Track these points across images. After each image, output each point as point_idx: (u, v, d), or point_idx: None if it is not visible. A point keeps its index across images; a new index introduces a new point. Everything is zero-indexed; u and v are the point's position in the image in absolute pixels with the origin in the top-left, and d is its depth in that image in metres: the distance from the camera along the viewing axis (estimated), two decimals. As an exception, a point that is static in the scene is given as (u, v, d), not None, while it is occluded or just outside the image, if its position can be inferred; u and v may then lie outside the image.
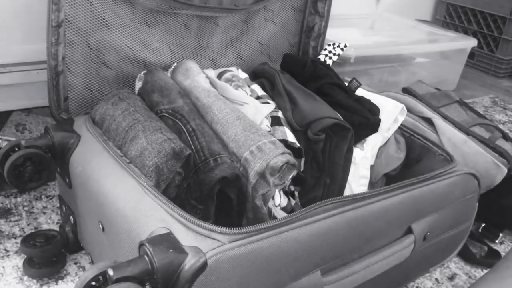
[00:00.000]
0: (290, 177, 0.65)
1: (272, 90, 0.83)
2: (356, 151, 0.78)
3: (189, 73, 0.80)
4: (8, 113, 1.07)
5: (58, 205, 0.90)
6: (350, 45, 1.03)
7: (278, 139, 0.68)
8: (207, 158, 0.64)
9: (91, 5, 0.74)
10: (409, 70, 1.42)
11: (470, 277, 0.88)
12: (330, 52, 0.98)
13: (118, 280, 0.45)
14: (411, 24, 1.66)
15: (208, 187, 0.62)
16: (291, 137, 0.71)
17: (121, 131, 0.66)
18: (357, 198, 0.61)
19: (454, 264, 0.91)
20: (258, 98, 0.79)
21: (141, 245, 0.48)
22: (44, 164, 0.69)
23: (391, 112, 0.83)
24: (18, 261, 0.77)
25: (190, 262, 0.47)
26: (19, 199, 0.91)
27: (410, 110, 0.91)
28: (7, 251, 0.79)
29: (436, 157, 0.82)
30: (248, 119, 0.70)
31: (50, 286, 0.74)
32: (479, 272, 0.90)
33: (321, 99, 0.79)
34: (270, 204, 0.66)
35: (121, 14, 0.78)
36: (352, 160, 0.77)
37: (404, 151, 0.86)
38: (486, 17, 1.91)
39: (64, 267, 0.78)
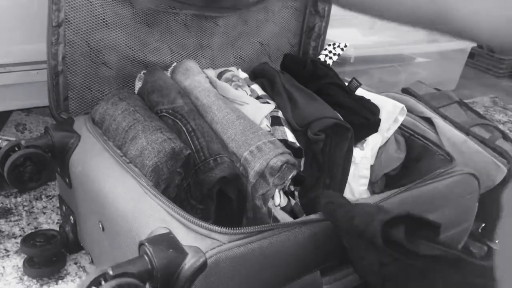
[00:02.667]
0: (290, 177, 0.65)
1: (272, 90, 0.82)
2: (356, 151, 0.78)
3: (189, 73, 0.80)
4: (8, 113, 1.07)
5: (58, 205, 0.90)
6: (350, 45, 1.03)
7: (278, 139, 0.68)
8: (207, 158, 0.64)
9: (91, 5, 0.74)
10: (409, 70, 1.42)
11: (470, 277, 0.88)
12: (330, 52, 0.98)
13: (117, 276, 0.45)
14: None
15: (208, 187, 0.62)
16: (291, 137, 0.71)
17: (121, 131, 0.67)
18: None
19: (454, 264, 0.91)
20: (258, 98, 0.79)
21: (141, 244, 0.48)
22: (44, 164, 0.69)
23: (391, 112, 0.83)
24: (18, 261, 0.77)
25: (189, 262, 0.47)
26: (19, 199, 0.91)
27: (410, 110, 0.91)
28: (7, 251, 0.79)
29: (436, 157, 0.82)
30: (248, 119, 0.70)
31: (50, 286, 0.74)
32: (479, 272, 0.90)
33: (321, 99, 0.79)
34: (270, 204, 0.66)
35: (121, 14, 0.78)
36: (352, 160, 0.77)
37: (404, 151, 0.86)
38: (486, 17, 1.91)
39: (64, 267, 0.78)
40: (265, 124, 0.73)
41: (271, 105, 0.76)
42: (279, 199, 0.67)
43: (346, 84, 0.86)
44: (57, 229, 0.81)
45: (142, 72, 0.81)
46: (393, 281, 0.50)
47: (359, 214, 0.53)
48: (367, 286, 0.56)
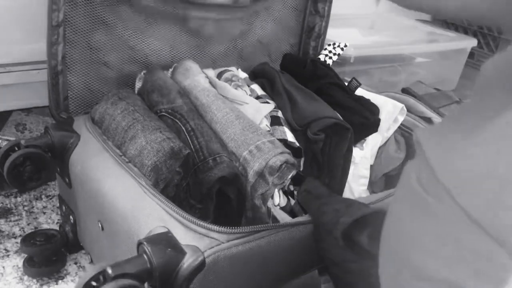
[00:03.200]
0: (289, 176, 0.65)
1: (271, 90, 0.83)
2: (356, 151, 0.78)
3: (189, 72, 0.80)
4: (8, 113, 1.07)
5: (58, 205, 0.90)
6: (350, 45, 1.03)
7: (277, 139, 0.68)
8: (206, 157, 0.64)
9: (90, 5, 0.74)
10: (409, 70, 1.42)
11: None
12: (330, 52, 0.98)
13: (117, 277, 0.45)
14: (411, 24, 1.66)
15: (207, 186, 0.62)
16: (290, 137, 0.71)
17: (120, 131, 0.67)
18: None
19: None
20: (257, 97, 0.79)
21: (140, 244, 0.48)
22: (44, 163, 0.69)
23: (391, 112, 0.83)
24: (18, 261, 0.77)
25: (188, 261, 0.47)
26: (19, 199, 0.91)
27: (410, 110, 0.91)
28: (7, 251, 0.79)
29: (436, 157, 0.82)
30: (247, 119, 0.70)
31: (50, 286, 0.74)
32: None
33: (321, 99, 0.79)
34: (270, 203, 0.66)
35: (121, 14, 0.78)
36: (352, 160, 0.77)
37: (404, 151, 0.86)
38: (486, 17, 1.90)
39: (64, 267, 0.78)
40: (265, 124, 0.73)
41: (271, 105, 0.76)
42: (278, 199, 0.67)
43: (346, 84, 0.86)
44: (57, 228, 0.82)
45: (142, 72, 0.81)
46: (354, 275, 0.51)
47: (327, 211, 0.53)
48: (330, 275, 0.57)
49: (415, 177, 0.32)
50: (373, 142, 0.81)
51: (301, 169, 0.74)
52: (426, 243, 0.30)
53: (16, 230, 0.84)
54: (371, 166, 0.82)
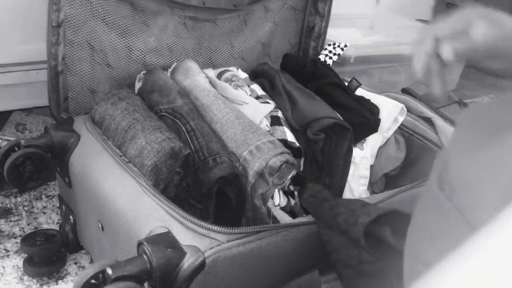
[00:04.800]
0: (289, 176, 0.65)
1: (272, 90, 0.83)
2: (356, 151, 0.78)
3: (189, 72, 0.80)
4: (8, 113, 1.07)
5: (58, 204, 0.90)
6: (350, 45, 1.03)
7: (277, 139, 0.68)
8: (206, 157, 0.64)
9: (91, 5, 0.74)
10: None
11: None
12: (330, 52, 0.98)
13: (117, 279, 0.45)
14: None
15: (207, 186, 0.62)
16: (290, 137, 0.71)
17: (120, 131, 0.67)
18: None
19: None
20: (257, 97, 0.79)
21: (140, 244, 0.48)
22: (44, 163, 0.69)
23: (391, 112, 0.83)
24: (18, 261, 0.77)
25: (188, 261, 0.47)
26: (19, 199, 0.91)
27: (410, 110, 0.91)
28: (7, 251, 0.79)
29: (436, 157, 0.82)
30: (247, 119, 0.70)
31: (50, 286, 0.74)
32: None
33: (321, 99, 0.79)
34: (270, 203, 0.66)
35: (121, 14, 0.78)
36: (352, 160, 0.77)
37: (404, 151, 0.86)
38: (486, 17, 1.91)
39: (64, 267, 0.78)
40: (265, 124, 0.73)
41: (271, 105, 0.76)
42: (278, 199, 0.67)
43: (346, 84, 0.86)
44: (57, 228, 0.82)
45: (142, 73, 0.81)
46: (368, 276, 0.50)
47: (342, 212, 0.53)
48: (339, 277, 0.56)
49: (435, 174, 0.32)
50: (373, 142, 0.81)
51: (301, 169, 0.74)
52: (431, 234, 0.31)
53: (16, 230, 0.84)
54: (371, 166, 0.82)
